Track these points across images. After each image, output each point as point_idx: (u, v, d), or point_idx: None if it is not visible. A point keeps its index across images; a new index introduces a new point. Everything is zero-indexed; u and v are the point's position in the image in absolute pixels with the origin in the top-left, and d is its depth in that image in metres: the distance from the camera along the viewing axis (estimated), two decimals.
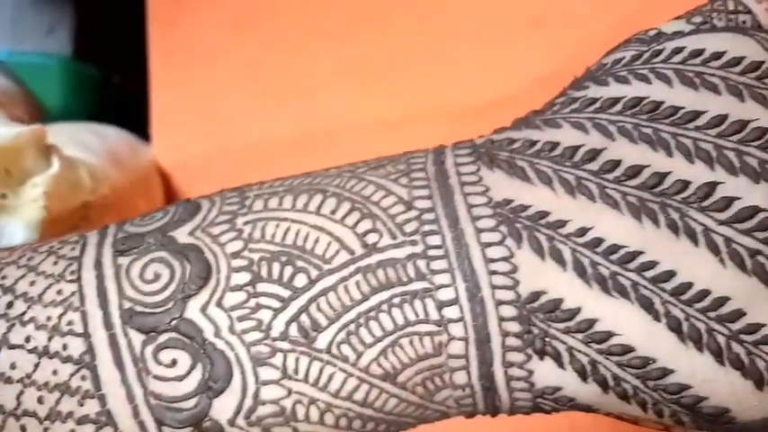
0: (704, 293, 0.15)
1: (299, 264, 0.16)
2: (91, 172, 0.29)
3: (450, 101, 0.36)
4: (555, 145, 0.17)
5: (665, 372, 0.15)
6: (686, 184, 0.16)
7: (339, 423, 0.16)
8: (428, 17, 0.38)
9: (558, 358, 0.16)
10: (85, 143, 0.33)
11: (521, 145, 0.17)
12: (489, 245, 0.16)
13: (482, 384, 0.16)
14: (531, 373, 0.16)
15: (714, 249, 0.15)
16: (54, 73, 0.54)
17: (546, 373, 0.16)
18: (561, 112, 0.18)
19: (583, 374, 0.16)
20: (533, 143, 0.17)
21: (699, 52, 0.17)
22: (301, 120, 0.39)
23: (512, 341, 0.16)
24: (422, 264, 0.16)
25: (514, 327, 0.16)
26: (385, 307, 0.16)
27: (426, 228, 0.16)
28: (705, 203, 0.15)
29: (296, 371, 0.15)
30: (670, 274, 0.15)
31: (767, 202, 0.15)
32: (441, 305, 0.15)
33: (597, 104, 0.17)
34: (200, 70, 0.42)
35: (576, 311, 0.15)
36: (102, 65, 0.55)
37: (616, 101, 0.17)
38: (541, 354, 0.16)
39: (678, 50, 0.18)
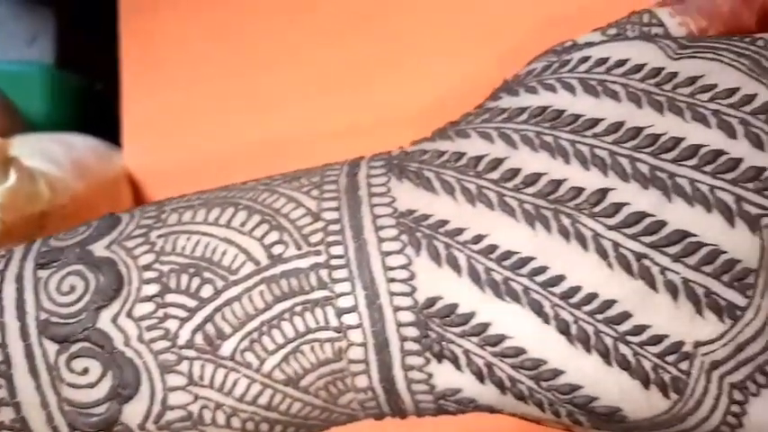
0: (592, 296, 0.16)
1: (207, 275, 0.16)
2: (50, 182, 0.30)
3: (420, 107, 0.37)
4: (461, 155, 0.17)
5: (556, 373, 0.16)
6: (580, 190, 0.16)
7: (246, 427, 0.16)
8: (396, 26, 0.38)
9: (455, 361, 0.16)
10: (50, 153, 0.33)
11: (430, 156, 0.18)
12: (389, 253, 0.16)
13: (383, 387, 0.16)
14: (430, 375, 0.16)
15: (602, 254, 0.16)
16: (37, 82, 0.55)
17: (445, 376, 0.16)
18: (473, 122, 0.18)
19: (480, 376, 0.16)
20: (442, 154, 0.17)
21: (604, 61, 0.18)
22: (271, 128, 0.40)
23: (410, 345, 0.16)
24: (324, 273, 0.16)
25: (412, 331, 0.16)
26: (287, 315, 0.16)
27: (331, 238, 0.17)
28: (596, 209, 0.16)
29: (201, 377, 0.16)
30: (560, 279, 0.16)
31: (654, 208, 0.16)
32: (340, 312, 0.16)
33: (506, 114, 0.18)
34: (171, 79, 0.43)
35: (471, 316, 0.16)
36: (84, 73, 0.56)
37: (523, 110, 0.18)
38: (439, 357, 0.16)
39: (585, 60, 0.18)
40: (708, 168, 0.16)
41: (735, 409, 0.15)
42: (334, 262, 0.16)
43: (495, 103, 0.18)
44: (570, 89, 0.17)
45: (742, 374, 0.15)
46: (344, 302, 0.16)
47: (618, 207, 0.16)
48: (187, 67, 0.42)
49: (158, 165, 0.42)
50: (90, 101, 0.56)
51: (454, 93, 0.37)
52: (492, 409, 0.17)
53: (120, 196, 0.38)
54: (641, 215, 0.16)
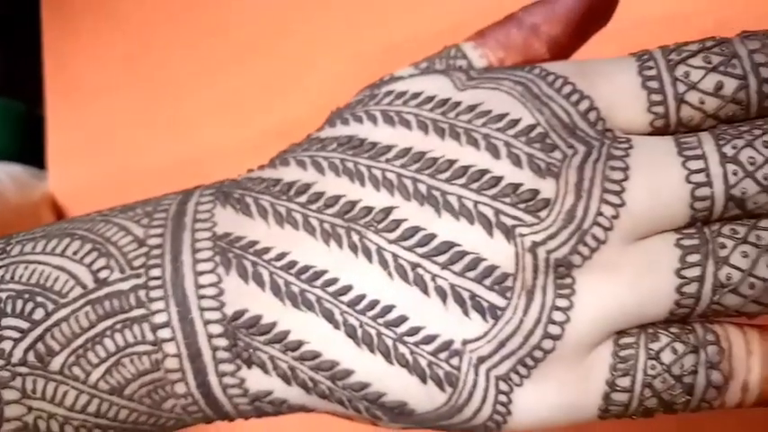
0: (375, 303, 0.18)
1: (39, 299, 0.18)
2: None
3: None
4: (278, 181, 0.19)
5: (348, 372, 0.18)
6: (370, 209, 0.18)
7: None
8: (302, 44, 0.40)
9: (263, 366, 0.18)
10: None
11: (254, 183, 0.19)
12: (202, 273, 0.18)
13: (201, 392, 0.18)
14: (242, 380, 0.18)
15: (384, 265, 0.18)
16: None
17: (256, 380, 0.18)
18: (295, 151, 0.20)
19: (286, 379, 0.18)
20: (264, 180, 0.19)
21: (403, 93, 0.20)
22: (189, 145, 0.42)
23: (222, 354, 0.18)
24: (142, 293, 0.18)
25: (222, 342, 0.18)
26: (109, 332, 0.18)
27: (152, 262, 0.18)
28: (380, 226, 0.18)
29: (34, 391, 0.18)
30: (348, 288, 0.18)
31: (427, 223, 0.18)
32: (155, 328, 0.18)
33: (321, 144, 0.20)
34: (93, 103, 0.45)
35: (273, 325, 0.18)
36: (24, 98, 0.58)
37: (335, 140, 0.19)
38: (249, 363, 0.18)
39: (389, 93, 0.20)
40: (474, 186, 0.18)
41: (502, 398, 0.17)
42: (151, 283, 0.18)
43: (317, 134, 0.20)
44: (373, 120, 0.19)
45: (506, 367, 0.17)
46: (159, 318, 0.18)
47: (398, 223, 0.18)
48: (108, 91, 0.44)
49: (83, 187, 0.44)
50: (31, 126, 0.57)
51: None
52: (305, 408, 0.19)
53: (40, 221, 0.39)
54: (416, 229, 0.18)
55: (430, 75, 0.20)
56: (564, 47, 0.21)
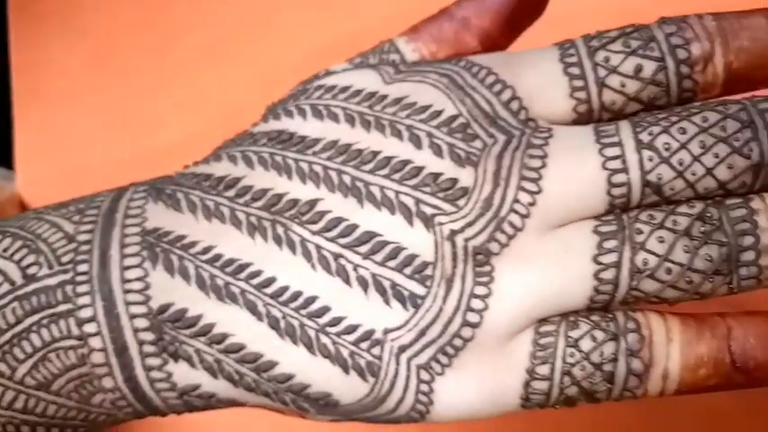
0: (297, 294, 0.18)
1: None
2: None
3: None
4: (210, 176, 0.19)
5: (272, 364, 0.18)
6: (296, 202, 0.18)
7: (7, 429, 0.18)
8: (263, 50, 0.40)
9: (189, 360, 0.18)
10: None
11: (186, 178, 0.20)
12: (128, 267, 0.18)
13: (129, 387, 0.18)
14: (170, 374, 0.18)
15: (307, 256, 0.18)
16: None
17: (183, 374, 0.18)
18: (228, 146, 0.20)
19: (212, 372, 0.18)
20: (196, 176, 0.19)
21: (333, 87, 0.20)
22: (153, 146, 0.42)
23: (148, 348, 0.18)
24: (69, 289, 0.18)
25: (149, 336, 0.18)
26: (35, 327, 0.18)
27: (80, 257, 0.18)
28: (305, 218, 0.18)
29: None
30: (271, 280, 0.18)
31: (349, 213, 0.18)
32: (81, 322, 0.18)
33: (252, 139, 0.20)
34: (60, 106, 0.45)
35: (198, 318, 0.18)
36: None
37: (266, 134, 0.20)
38: (175, 357, 0.18)
39: (320, 87, 0.20)
40: (396, 176, 0.18)
41: (424, 388, 0.17)
42: (78, 278, 0.18)
43: (251, 129, 0.20)
44: (303, 114, 0.19)
45: (426, 356, 0.17)
46: (85, 313, 0.18)
47: (322, 214, 0.18)
48: (75, 93, 0.44)
49: (50, 187, 0.44)
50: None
51: None
52: (235, 402, 0.19)
53: None
54: (339, 220, 0.18)
55: (360, 69, 0.20)
56: (496, 40, 0.21)
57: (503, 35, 0.21)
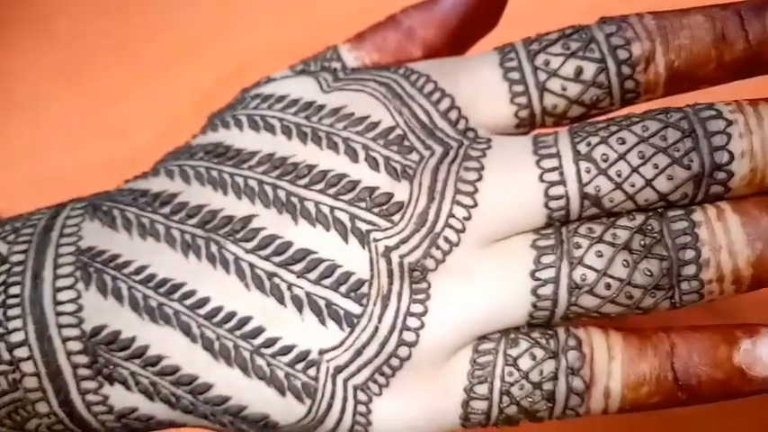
0: (231, 315, 0.17)
1: None
2: None
3: None
4: (146, 192, 0.19)
5: (207, 386, 0.17)
6: (231, 218, 0.18)
7: None
8: (224, 53, 0.40)
9: (125, 382, 0.18)
10: None
11: (124, 194, 0.19)
12: (61, 289, 0.18)
13: (65, 411, 0.18)
14: (106, 397, 0.18)
15: (241, 275, 0.17)
16: None
17: (120, 397, 0.18)
18: (167, 160, 0.20)
19: (148, 395, 0.18)
20: (133, 192, 0.19)
21: (269, 97, 0.19)
22: (124, 154, 0.42)
23: (83, 371, 0.18)
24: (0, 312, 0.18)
25: (82, 359, 0.18)
26: None
27: (11, 279, 0.18)
28: (239, 235, 0.17)
29: None
30: (205, 301, 0.17)
31: (284, 230, 0.17)
32: (12, 347, 0.17)
33: (190, 152, 0.19)
34: (28, 114, 0.44)
35: (132, 340, 0.17)
36: None
37: (203, 147, 0.19)
38: (110, 380, 0.18)
39: (257, 96, 0.20)
40: (331, 191, 0.17)
41: (361, 408, 0.17)
42: (10, 301, 0.18)
43: (191, 141, 0.20)
44: (239, 125, 0.19)
45: (363, 377, 0.17)
46: (16, 337, 0.17)
47: (256, 232, 0.17)
48: (43, 100, 0.44)
49: (18, 194, 0.43)
50: None
51: None
52: (174, 424, 0.18)
53: None
54: (273, 237, 0.17)
55: (299, 77, 0.20)
56: (440, 51, 0.20)
57: (448, 47, 0.20)
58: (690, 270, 0.16)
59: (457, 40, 0.20)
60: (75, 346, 0.18)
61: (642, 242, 0.16)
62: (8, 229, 0.19)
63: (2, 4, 0.44)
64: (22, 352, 0.18)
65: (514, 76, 0.18)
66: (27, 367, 0.18)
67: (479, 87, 0.18)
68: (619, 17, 0.18)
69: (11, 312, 0.18)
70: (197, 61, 0.39)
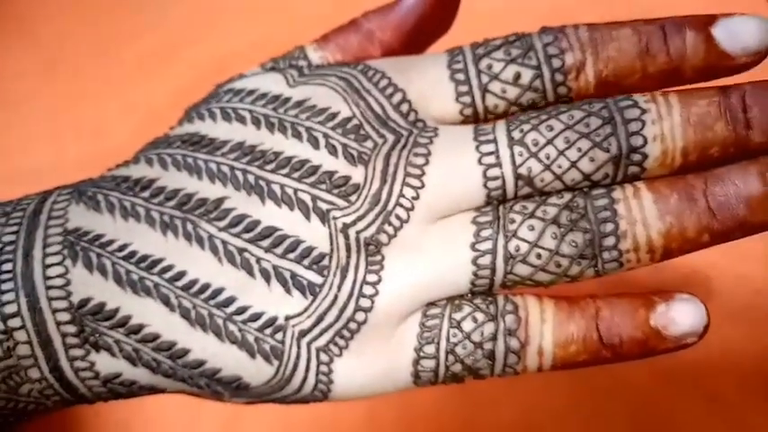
0: (206, 286, 0.19)
1: None
2: None
3: None
4: (127, 178, 0.21)
5: (185, 351, 0.19)
6: (205, 200, 0.20)
7: None
8: (205, 53, 0.41)
9: (110, 349, 0.19)
10: None
11: (107, 180, 0.21)
12: (50, 265, 0.20)
13: (54, 377, 0.20)
14: (93, 364, 0.20)
15: (215, 251, 0.19)
16: None
17: (105, 363, 0.20)
18: (147, 150, 0.21)
19: (131, 360, 0.19)
20: (115, 178, 0.21)
21: (241, 91, 0.21)
22: (106, 153, 0.43)
23: (71, 340, 0.19)
24: None
25: (71, 328, 0.19)
26: None
27: (4, 257, 0.20)
28: (212, 215, 0.19)
29: None
30: (182, 274, 0.19)
31: (253, 210, 0.19)
32: (5, 317, 0.19)
33: (167, 142, 0.21)
34: (11, 114, 0.46)
35: (116, 311, 0.19)
36: None
37: (179, 137, 0.21)
38: (97, 348, 0.19)
39: (229, 91, 0.22)
40: (295, 175, 0.19)
41: (324, 368, 0.19)
42: (2, 276, 0.20)
43: (170, 131, 0.22)
44: (213, 117, 0.21)
45: (325, 339, 0.19)
46: (9, 309, 0.19)
47: (228, 212, 0.19)
48: (26, 100, 0.45)
49: (2, 192, 0.45)
50: None
51: None
52: (156, 389, 0.20)
53: None
54: (243, 216, 0.19)
55: (268, 73, 0.22)
56: (396, 52, 0.22)
57: (404, 48, 0.22)
58: (610, 241, 0.18)
59: (412, 42, 0.22)
60: (63, 316, 0.19)
61: (569, 217, 0.18)
62: None
63: None
64: (15, 322, 0.19)
65: (460, 77, 0.20)
66: (20, 336, 0.19)
67: (429, 85, 0.20)
68: (557, 28, 0.20)
69: (4, 286, 0.19)
70: (175, 62, 0.41)
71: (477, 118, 0.20)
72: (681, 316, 0.19)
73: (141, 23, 0.42)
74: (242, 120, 0.21)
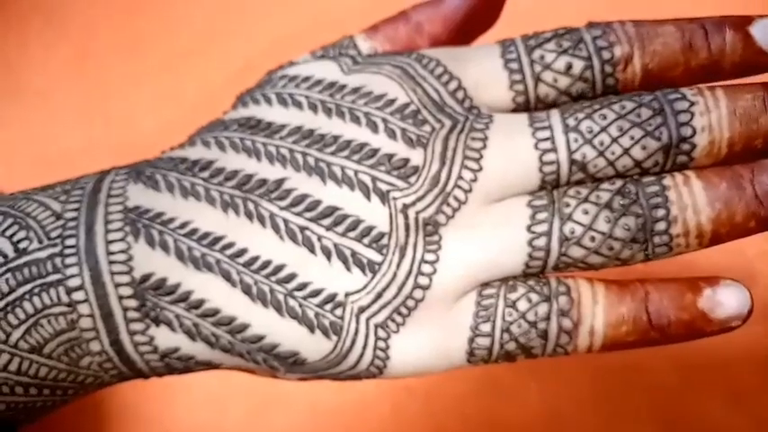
0: (267, 263, 0.20)
1: None
2: None
3: None
4: (185, 159, 0.21)
5: (245, 326, 0.20)
6: (265, 181, 0.20)
7: (2, 390, 0.20)
8: (232, 49, 0.42)
9: (170, 324, 0.20)
10: None
11: (164, 162, 0.21)
12: (112, 241, 0.20)
13: (114, 350, 0.20)
14: (152, 338, 0.20)
15: (276, 229, 0.20)
16: None
17: (164, 337, 0.20)
18: (202, 133, 0.22)
19: (191, 335, 0.20)
20: (172, 159, 0.21)
21: (296, 77, 0.22)
22: (133, 146, 0.44)
23: (132, 314, 0.20)
24: (58, 260, 0.20)
25: (132, 302, 0.20)
26: (27, 296, 0.20)
27: (67, 233, 0.20)
28: (273, 195, 0.20)
29: None
30: (243, 251, 0.20)
31: (314, 190, 0.20)
32: (69, 290, 0.20)
33: (224, 125, 0.22)
34: (38, 105, 0.46)
35: (177, 286, 0.20)
36: None
37: (236, 121, 0.22)
38: (157, 322, 0.20)
39: (284, 77, 0.22)
40: (355, 157, 0.20)
41: (381, 344, 0.20)
42: (67, 251, 0.20)
43: (222, 116, 0.22)
44: (269, 102, 0.22)
45: (383, 316, 0.19)
46: (73, 282, 0.20)
47: (289, 192, 0.20)
48: (53, 92, 0.46)
49: (30, 183, 0.45)
50: None
51: None
52: (212, 364, 0.21)
53: None
54: (304, 196, 0.20)
55: (321, 60, 0.22)
56: (444, 44, 0.23)
57: (452, 41, 0.23)
58: (661, 226, 0.19)
59: (460, 35, 0.23)
60: (125, 291, 0.20)
61: (621, 202, 0.19)
62: (59, 191, 0.21)
63: (20, 3, 0.46)
64: (78, 295, 0.20)
65: (514, 66, 0.21)
66: (83, 309, 0.20)
67: (483, 73, 0.21)
68: (604, 22, 0.21)
69: (68, 261, 0.20)
70: (203, 57, 0.42)
71: (527, 106, 0.21)
72: (727, 299, 0.19)
73: (172, 21, 0.43)
74: (299, 105, 0.21)
